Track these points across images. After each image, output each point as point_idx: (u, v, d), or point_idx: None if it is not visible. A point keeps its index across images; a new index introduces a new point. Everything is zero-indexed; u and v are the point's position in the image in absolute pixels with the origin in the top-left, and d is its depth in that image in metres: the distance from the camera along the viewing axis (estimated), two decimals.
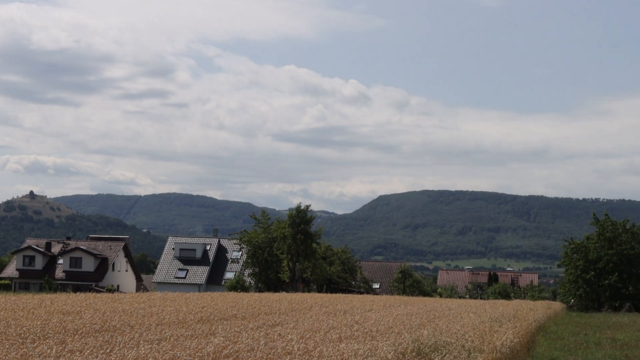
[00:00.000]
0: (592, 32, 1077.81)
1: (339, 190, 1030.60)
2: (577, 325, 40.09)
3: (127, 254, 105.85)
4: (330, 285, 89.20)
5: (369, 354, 16.14)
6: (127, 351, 15.99)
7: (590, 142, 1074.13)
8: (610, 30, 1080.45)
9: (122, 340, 18.62)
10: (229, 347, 16.77)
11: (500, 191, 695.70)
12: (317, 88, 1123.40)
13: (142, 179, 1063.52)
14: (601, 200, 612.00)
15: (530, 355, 24.19)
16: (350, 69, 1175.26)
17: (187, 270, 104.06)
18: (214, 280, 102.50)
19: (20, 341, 18.00)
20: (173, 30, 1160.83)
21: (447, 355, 17.01)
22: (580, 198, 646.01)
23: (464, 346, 18.97)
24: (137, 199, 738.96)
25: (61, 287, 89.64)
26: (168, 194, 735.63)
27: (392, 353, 16.33)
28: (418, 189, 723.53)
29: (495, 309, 38.41)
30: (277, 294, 57.26)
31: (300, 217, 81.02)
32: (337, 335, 20.43)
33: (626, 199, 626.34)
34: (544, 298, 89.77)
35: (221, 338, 19.00)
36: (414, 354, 16.94)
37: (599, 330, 36.45)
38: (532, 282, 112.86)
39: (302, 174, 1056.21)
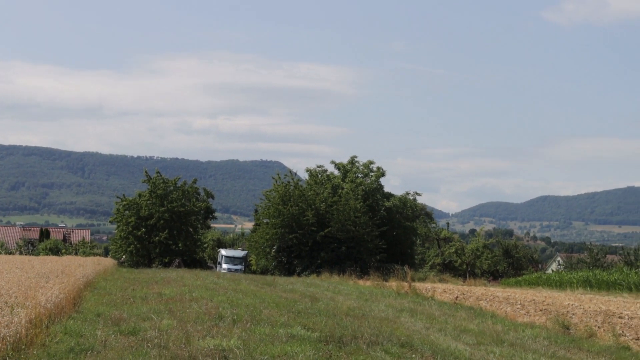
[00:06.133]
0: None
1: None
2: (126, 281, 40.58)
3: None
4: None
5: None
6: None
7: (144, 101, 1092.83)
8: None
9: None
10: None
11: (54, 147, 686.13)
12: None
13: None
14: (155, 158, 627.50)
15: (77, 310, 24.14)
16: None
17: None
18: None
19: None
20: None
21: None
22: (135, 155, 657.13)
23: (7, 302, 18.53)
24: None
25: None
26: None
27: None
28: None
29: (44, 265, 37.86)
30: None
31: None
32: None
33: (179, 157, 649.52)
34: (95, 254, 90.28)
35: None
36: None
37: (147, 285, 37.15)
38: (84, 238, 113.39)
39: None
